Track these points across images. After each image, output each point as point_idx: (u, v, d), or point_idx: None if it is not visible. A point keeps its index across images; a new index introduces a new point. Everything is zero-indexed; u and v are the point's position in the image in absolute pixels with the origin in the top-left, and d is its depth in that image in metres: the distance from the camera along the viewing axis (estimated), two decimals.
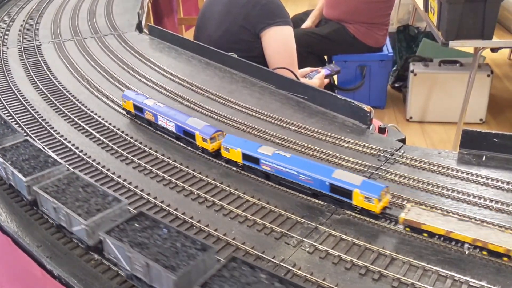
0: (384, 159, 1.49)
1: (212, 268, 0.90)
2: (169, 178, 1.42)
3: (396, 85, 4.90)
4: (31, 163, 1.28)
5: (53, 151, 1.55)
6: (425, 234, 1.15)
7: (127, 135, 1.66)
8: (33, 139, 1.61)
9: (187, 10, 6.10)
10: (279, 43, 2.68)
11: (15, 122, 1.74)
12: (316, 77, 2.89)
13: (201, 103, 1.88)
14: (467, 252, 1.10)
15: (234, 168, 1.47)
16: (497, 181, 1.35)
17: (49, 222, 1.23)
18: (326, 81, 3.02)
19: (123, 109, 1.80)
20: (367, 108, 1.71)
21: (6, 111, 1.84)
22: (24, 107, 1.87)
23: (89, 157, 1.53)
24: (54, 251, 1.15)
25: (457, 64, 4.21)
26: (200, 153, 1.55)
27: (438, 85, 4.20)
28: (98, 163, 1.49)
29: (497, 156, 1.47)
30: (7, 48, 2.60)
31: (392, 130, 1.78)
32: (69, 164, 1.46)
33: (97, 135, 1.66)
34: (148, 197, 1.33)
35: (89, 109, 1.85)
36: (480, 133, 1.49)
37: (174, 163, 1.49)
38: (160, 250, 0.95)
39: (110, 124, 1.74)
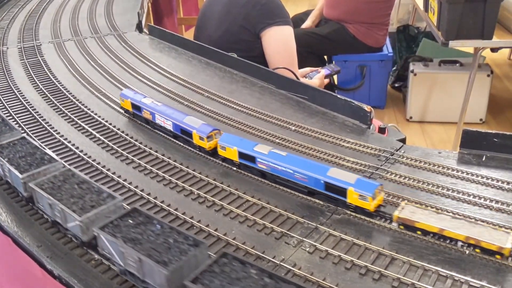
0: (384, 159, 1.49)
1: (204, 264, 0.91)
2: (169, 178, 1.42)
3: (396, 85, 4.90)
4: (27, 160, 1.29)
5: (53, 151, 1.55)
6: (418, 232, 1.16)
7: (127, 135, 1.66)
8: (33, 139, 1.61)
9: (187, 10, 6.10)
10: (279, 43, 2.68)
11: (15, 122, 1.74)
12: (316, 77, 2.89)
13: (201, 103, 1.88)
14: (467, 252, 1.10)
15: (235, 168, 1.47)
16: (497, 181, 1.35)
17: (49, 222, 1.23)
18: (326, 81, 3.02)
19: (121, 107, 1.81)
20: (367, 108, 1.71)
21: (6, 111, 1.84)
22: (24, 107, 1.87)
23: (89, 157, 1.53)
24: (54, 251, 1.15)
25: (457, 64, 4.21)
26: (200, 153, 1.55)
27: (438, 85, 4.20)
28: (99, 163, 1.49)
29: (497, 156, 1.47)
30: (7, 48, 2.60)
31: (392, 130, 1.78)
32: (69, 164, 1.46)
33: (97, 135, 1.66)
34: (149, 197, 1.33)
35: (89, 109, 1.85)
36: (480, 133, 1.49)
37: (174, 163, 1.49)
38: (153, 245, 0.96)
39: (110, 124, 1.74)
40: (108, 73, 2.20)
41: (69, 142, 1.61)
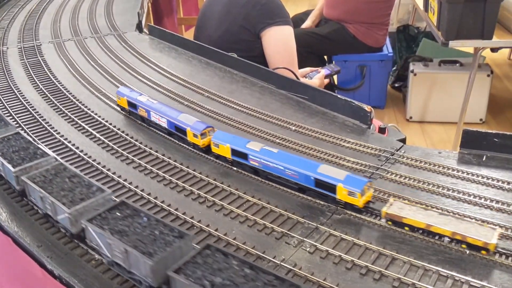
0: (385, 159, 1.49)
1: (187, 255, 0.93)
2: (170, 178, 1.42)
3: (396, 85, 4.90)
4: (20, 154, 1.31)
5: (54, 151, 1.55)
6: (406, 228, 1.17)
7: (127, 135, 1.66)
8: (34, 140, 1.61)
9: (187, 10, 6.10)
10: (279, 43, 2.68)
11: (15, 122, 1.74)
12: (316, 77, 2.89)
13: (201, 103, 1.88)
14: (466, 252, 1.10)
15: (235, 168, 1.47)
16: (498, 181, 1.35)
17: (46, 220, 1.24)
18: (326, 81, 3.02)
19: (118, 105, 1.81)
20: (367, 108, 1.71)
21: (6, 111, 1.84)
22: (24, 107, 1.87)
23: (89, 157, 1.53)
24: (54, 251, 1.15)
25: (457, 64, 4.21)
26: (200, 153, 1.55)
27: (438, 85, 4.20)
28: (99, 163, 1.49)
29: (497, 156, 1.47)
30: (7, 48, 2.60)
31: (392, 130, 1.78)
32: (69, 164, 1.46)
33: (97, 135, 1.66)
34: (149, 197, 1.33)
35: (89, 109, 1.85)
36: (480, 133, 1.49)
37: (174, 163, 1.49)
38: (139, 237, 0.98)
39: (110, 124, 1.73)
40: (108, 73, 2.20)
41: (69, 142, 1.61)
